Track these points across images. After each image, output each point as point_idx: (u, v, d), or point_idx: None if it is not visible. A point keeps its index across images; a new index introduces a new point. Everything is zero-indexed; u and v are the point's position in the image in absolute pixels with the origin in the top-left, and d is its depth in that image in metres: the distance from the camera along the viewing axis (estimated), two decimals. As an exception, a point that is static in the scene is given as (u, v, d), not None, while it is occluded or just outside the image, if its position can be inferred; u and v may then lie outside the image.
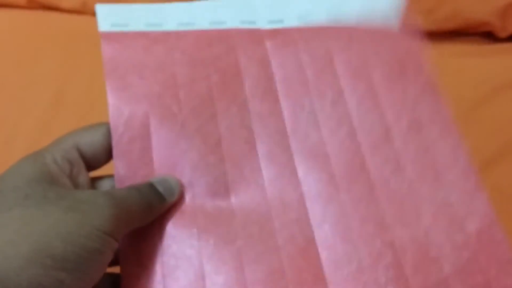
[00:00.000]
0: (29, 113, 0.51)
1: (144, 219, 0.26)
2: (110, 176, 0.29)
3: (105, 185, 0.30)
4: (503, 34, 0.52)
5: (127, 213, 0.25)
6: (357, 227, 0.27)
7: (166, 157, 0.28)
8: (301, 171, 0.29)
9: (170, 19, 0.32)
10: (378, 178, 0.28)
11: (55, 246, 0.21)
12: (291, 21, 0.32)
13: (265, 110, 0.30)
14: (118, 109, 0.29)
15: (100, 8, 0.31)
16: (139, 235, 0.27)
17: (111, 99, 0.29)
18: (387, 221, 0.27)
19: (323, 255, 0.27)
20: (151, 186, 0.27)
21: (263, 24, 0.32)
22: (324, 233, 0.27)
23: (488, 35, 0.53)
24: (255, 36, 0.32)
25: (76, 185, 0.27)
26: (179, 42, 0.31)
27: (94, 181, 0.29)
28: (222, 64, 0.31)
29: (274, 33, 0.32)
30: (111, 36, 0.31)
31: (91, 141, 0.28)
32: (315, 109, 0.30)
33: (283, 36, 0.32)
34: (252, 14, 0.32)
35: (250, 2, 0.33)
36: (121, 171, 0.28)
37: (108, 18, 0.31)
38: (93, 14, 0.60)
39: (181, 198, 0.28)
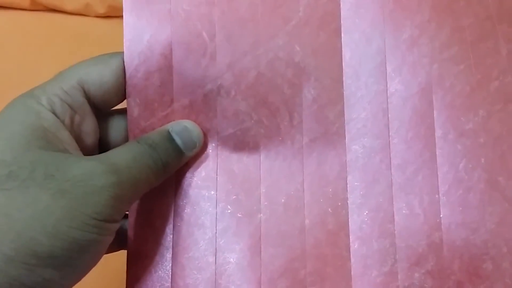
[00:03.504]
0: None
1: (156, 182, 0.22)
2: (123, 112, 0.24)
3: (116, 128, 0.24)
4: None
5: (133, 185, 0.20)
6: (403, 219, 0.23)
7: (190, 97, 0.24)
8: (350, 131, 0.24)
9: None
10: (448, 162, 0.23)
11: (40, 242, 0.18)
12: None
13: (321, 41, 0.23)
14: (136, 32, 0.24)
15: None
16: (151, 191, 0.23)
17: (127, 18, 0.24)
18: (444, 217, 0.23)
19: (354, 246, 0.23)
20: (167, 137, 0.22)
21: None
22: (361, 220, 0.23)
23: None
24: None
25: (78, 136, 0.22)
26: None
27: (103, 122, 0.24)
28: None
29: None
30: None
31: (100, 78, 0.23)
32: (385, 48, 0.23)
33: None
34: None
35: None
36: (135, 111, 0.23)
37: None
38: (96, 15, 0.60)
39: (202, 150, 0.24)
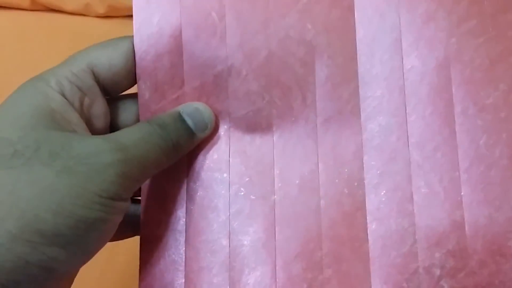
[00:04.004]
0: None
1: (167, 162, 0.22)
2: (135, 97, 0.24)
3: (128, 112, 0.24)
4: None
5: (141, 164, 0.20)
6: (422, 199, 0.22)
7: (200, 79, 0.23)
8: (365, 110, 0.23)
9: None
10: (469, 138, 0.22)
11: (44, 220, 0.17)
12: None
13: (334, 19, 0.23)
14: (145, 14, 0.23)
15: None
16: (164, 174, 0.23)
17: (136, 1, 0.24)
18: (465, 195, 0.22)
19: (372, 227, 0.22)
20: (178, 118, 0.22)
21: None
22: (378, 200, 0.22)
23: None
24: None
25: (88, 119, 0.22)
26: None
27: (114, 106, 0.24)
28: None
29: None
30: None
31: (109, 61, 0.22)
32: (400, 23, 0.22)
33: None
34: None
35: None
36: (145, 94, 0.23)
37: None
38: (96, 15, 0.59)
39: (214, 132, 0.23)
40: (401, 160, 0.22)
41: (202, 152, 0.23)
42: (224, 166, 0.23)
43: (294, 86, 0.23)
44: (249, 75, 0.23)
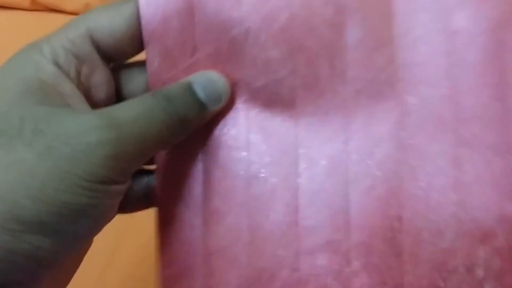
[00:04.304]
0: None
1: (173, 139, 0.19)
2: (142, 64, 0.22)
3: (135, 80, 0.22)
4: None
5: (139, 142, 0.18)
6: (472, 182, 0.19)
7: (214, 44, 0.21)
8: (403, 79, 0.20)
9: None
10: None
11: (24, 207, 0.16)
12: None
13: None
14: None
15: None
16: (177, 150, 0.21)
17: None
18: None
19: (407, 216, 0.19)
20: (188, 89, 0.19)
21: None
22: (415, 186, 0.19)
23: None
24: None
25: (87, 90, 0.20)
26: None
27: (120, 74, 0.22)
28: None
29: None
30: None
31: (110, 25, 0.20)
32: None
33: None
34: None
35: None
36: (154, 62, 0.21)
37: None
38: (98, 16, 0.58)
39: (230, 105, 0.21)
40: (445, 139, 0.19)
41: (218, 128, 0.21)
42: (243, 144, 0.20)
43: (321, 52, 0.20)
44: (268, 40, 0.20)
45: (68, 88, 0.19)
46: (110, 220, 0.19)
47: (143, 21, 0.20)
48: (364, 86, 0.20)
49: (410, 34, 0.20)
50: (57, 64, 0.19)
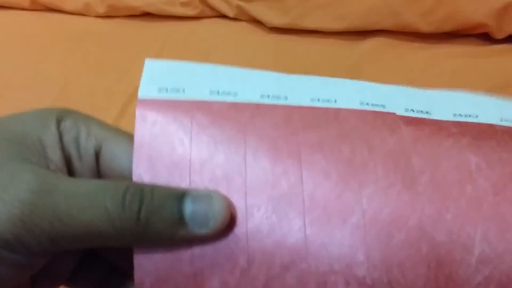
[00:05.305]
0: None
1: (125, 239, 0.16)
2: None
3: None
4: (499, 35, 0.51)
5: (62, 221, 0.15)
6: None
7: None
8: None
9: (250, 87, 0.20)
10: None
11: None
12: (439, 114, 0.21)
13: None
14: None
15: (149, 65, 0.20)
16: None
17: None
18: None
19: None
20: (175, 199, 0.16)
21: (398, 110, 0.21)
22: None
23: (485, 37, 0.51)
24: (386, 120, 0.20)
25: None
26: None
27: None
28: None
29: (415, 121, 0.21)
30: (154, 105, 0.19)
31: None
32: None
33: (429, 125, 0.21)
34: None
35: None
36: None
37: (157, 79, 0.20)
38: (96, 15, 0.60)
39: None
40: None
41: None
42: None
43: None
44: None
45: (57, 155, 0.18)
46: None
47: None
48: None
49: None
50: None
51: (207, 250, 0.17)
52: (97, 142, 0.19)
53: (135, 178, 0.18)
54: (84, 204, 0.16)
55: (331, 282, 0.18)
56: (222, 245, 0.17)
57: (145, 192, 0.16)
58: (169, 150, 0.18)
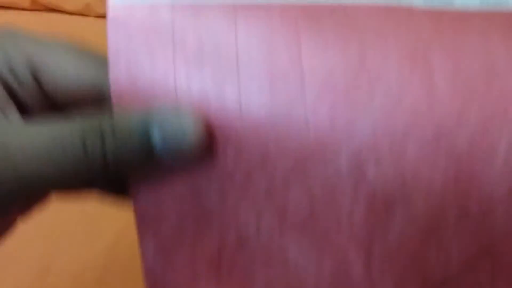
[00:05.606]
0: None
1: (92, 177, 0.15)
2: None
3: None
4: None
5: (21, 175, 0.14)
6: None
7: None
8: None
9: None
10: None
11: None
12: None
13: None
14: None
15: None
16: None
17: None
18: None
19: None
20: (140, 130, 0.15)
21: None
22: None
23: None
24: None
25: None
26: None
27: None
28: None
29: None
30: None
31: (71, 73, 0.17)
32: None
33: None
34: None
35: None
36: (149, 255, 0.17)
37: None
38: (96, 16, 0.59)
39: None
40: None
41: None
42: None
43: None
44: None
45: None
46: None
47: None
48: None
49: None
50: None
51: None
52: (31, 63, 0.17)
53: (114, 96, 0.16)
54: (48, 163, 0.14)
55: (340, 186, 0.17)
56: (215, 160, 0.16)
57: (105, 132, 0.15)
58: (149, 61, 0.17)
